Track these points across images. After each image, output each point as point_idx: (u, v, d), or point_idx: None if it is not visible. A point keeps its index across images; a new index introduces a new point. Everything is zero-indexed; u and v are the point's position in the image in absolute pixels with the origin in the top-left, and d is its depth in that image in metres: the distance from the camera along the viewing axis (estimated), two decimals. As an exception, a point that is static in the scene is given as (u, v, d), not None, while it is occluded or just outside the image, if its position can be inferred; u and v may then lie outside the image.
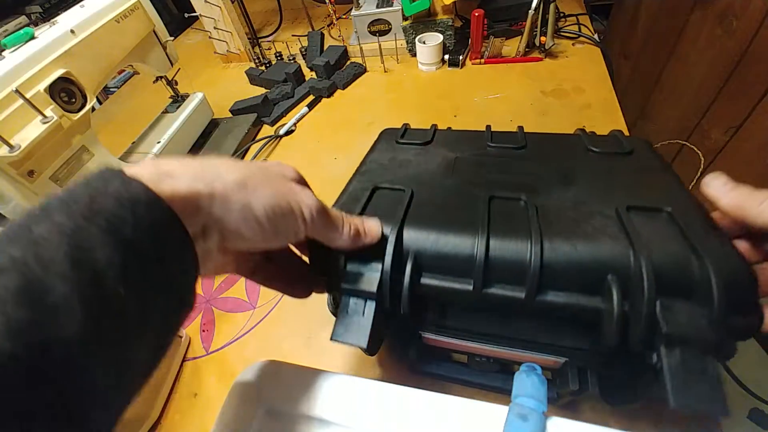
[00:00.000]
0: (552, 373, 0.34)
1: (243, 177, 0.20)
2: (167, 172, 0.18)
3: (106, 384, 0.15)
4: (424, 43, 0.81)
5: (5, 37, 0.49)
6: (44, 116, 0.46)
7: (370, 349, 0.37)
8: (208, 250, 0.20)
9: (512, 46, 0.81)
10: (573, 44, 0.82)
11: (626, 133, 0.60)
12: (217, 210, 0.19)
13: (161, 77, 0.75)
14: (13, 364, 0.12)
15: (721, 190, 0.25)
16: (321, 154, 0.72)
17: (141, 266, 0.16)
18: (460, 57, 0.81)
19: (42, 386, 0.13)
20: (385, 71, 0.87)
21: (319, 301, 0.51)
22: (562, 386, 0.31)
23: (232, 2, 0.94)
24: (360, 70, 0.87)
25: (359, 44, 0.87)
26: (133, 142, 0.71)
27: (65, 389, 0.13)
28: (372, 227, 0.28)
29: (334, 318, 0.36)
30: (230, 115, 0.84)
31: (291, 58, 0.96)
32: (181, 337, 0.49)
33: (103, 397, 0.15)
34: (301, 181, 0.26)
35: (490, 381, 0.36)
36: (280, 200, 0.21)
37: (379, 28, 0.87)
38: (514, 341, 0.31)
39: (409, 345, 0.33)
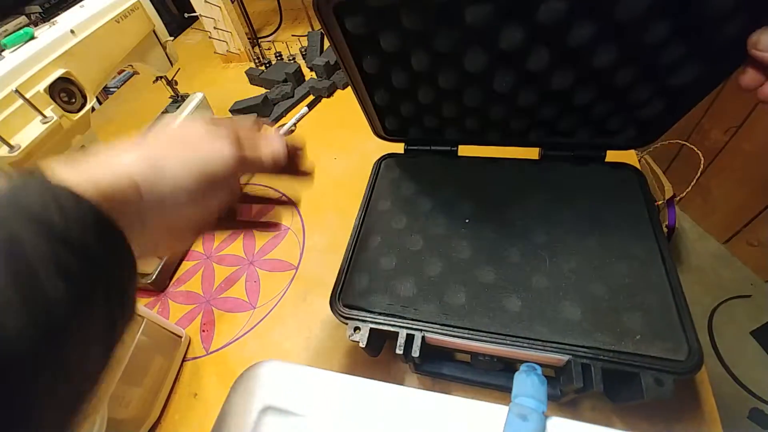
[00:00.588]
0: (555, 371, 0.34)
1: (152, 153, 0.21)
2: (85, 169, 0.18)
3: (50, 383, 0.15)
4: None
5: (5, 37, 0.49)
6: (44, 116, 0.46)
7: (373, 351, 0.37)
8: (149, 232, 0.21)
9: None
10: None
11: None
12: (142, 192, 0.20)
13: (161, 77, 0.75)
14: None
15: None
16: (321, 154, 0.72)
17: (75, 259, 0.16)
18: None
19: None
20: (385, 71, 0.87)
21: (319, 301, 0.51)
22: (566, 384, 0.31)
23: (232, 2, 0.94)
24: (360, 70, 0.87)
25: (359, 44, 0.87)
26: (133, 142, 0.71)
27: (6, 387, 0.13)
28: (274, 141, 0.28)
29: (333, 318, 0.36)
30: (230, 115, 0.84)
31: (291, 58, 0.96)
32: (180, 337, 0.49)
33: (49, 396, 0.14)
34: (216, 123, 0.25)
35: (494, 379, 0.36)
36: (191, 154, 0.22)
37: (379, 28, 0.87)
38: (517, 338, 0.32)
39: (412, 345, 0.33)
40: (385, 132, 0.49)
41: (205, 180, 0.22)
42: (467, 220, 0.41)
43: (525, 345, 0.31)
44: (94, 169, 0.18)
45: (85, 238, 0.16)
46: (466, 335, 0.32)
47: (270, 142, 0.27)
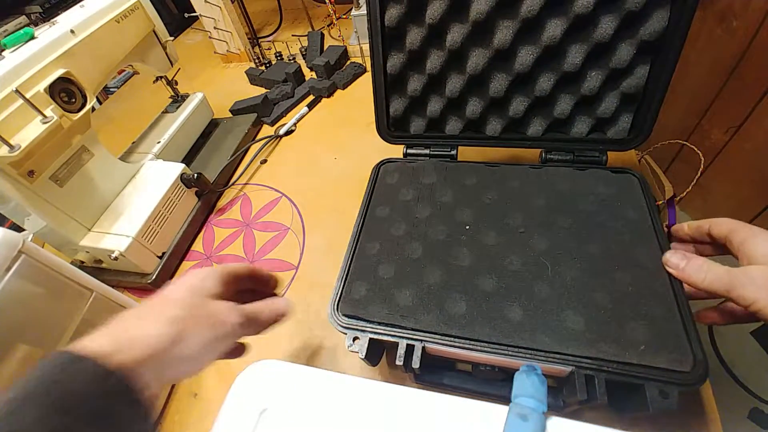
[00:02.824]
0: (558, 382, 0.34)
1: (173, 331, 0.25)
2: (117, 348, 0.23)
3: None
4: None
5: (5, 37, 0.49)
6: (44, 116, 0.46)
7: (372, 360, 0.36)
8: (168, 375, 0.25)
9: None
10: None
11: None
12: (161, 367, 0.24)
13: (161, 77, 0.75)
14: None
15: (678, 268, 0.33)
16: (321, 154, 0.72)
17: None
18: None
19: None
20: (385, 71, 0.86)
21: (319, 301, 0.51)
22: (570, 395, 0.30)
23: (232, 2, 0.94)
24: (360, 70, 0.87)
25: (359, 44, 0.87)
26: (133, 142, 0.71)
27: None
28: (282, 306, 0.33)
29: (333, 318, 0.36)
30: (230, 115, 0.84)
31: (291, 58, 0.96)
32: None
33: None
34: (224, 283, 0.30)
35: (495, 390, 0.35)
36: (209, 333, 0.26)
37: (379, 28, 0.87)
38: (519, 348, 0.31)
39: (412, 355, 0.32)
40: (388, 123, 0.49)
41: (214, 342, 0.27)
42: (467, 227, 0.40)
43: (527, 355, 0.31)
44: (126, 345, 0.23)
45: (114, 407, 0.21)
46: (467, 345, 0.32)
47: (275, 301, 0.33)
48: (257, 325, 0.30)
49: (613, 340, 0.30)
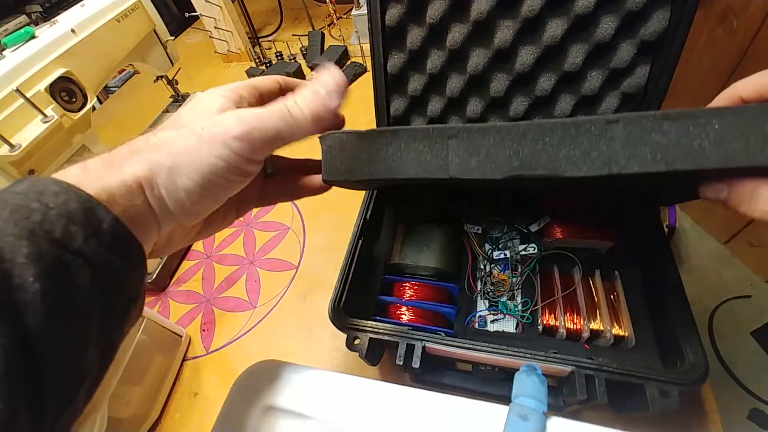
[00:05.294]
0: (558, 381, 0.34)
1: (161, 159, 0.20)
2: (97, 176, 0.18)
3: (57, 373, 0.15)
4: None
5: (6, 36, 0.49)
6: (45, 115, 0.46)
7: (372, 360, 0.36)
8: (174, 231, 0.22)
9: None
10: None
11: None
12: (156, 195, 0.20)
13: (162, 77, 0.75)
14: None
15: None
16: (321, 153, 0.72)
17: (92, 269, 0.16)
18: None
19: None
20: (386, 71, 0.86)
21: (319, 300, 0.51)
22: (570, 395, 0.30)
23: (233, 2, 0.94)
24: (360, 70, 0.87)
25: (359, 44, 0.87)
26: (134, 142, 0.71)
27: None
28: (334, 77, 0.22)
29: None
30: (230, 114, 0.84)
31: (291, 57, 0.96)
32: (181, 336, 0.49)
33: (55, 388, 0.15)
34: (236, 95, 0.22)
35: (496, 389, 0.35)
36: (200, 158, 0.19)
37: (379, 28, 0.87)
38: (518, 350, 0.31)
39: (412, 355, 0.32)
40: (388, 123, 0.49)
41: (212, 175, 0.20)
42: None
43: (527, 356, 0.31)
44: (106, 178, 0.18)
45: (105, 252, 0.17)
46: (467, 345, 0.32)
47: (325, 73, 0.22)
48: (280, 130, 0.20)
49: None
